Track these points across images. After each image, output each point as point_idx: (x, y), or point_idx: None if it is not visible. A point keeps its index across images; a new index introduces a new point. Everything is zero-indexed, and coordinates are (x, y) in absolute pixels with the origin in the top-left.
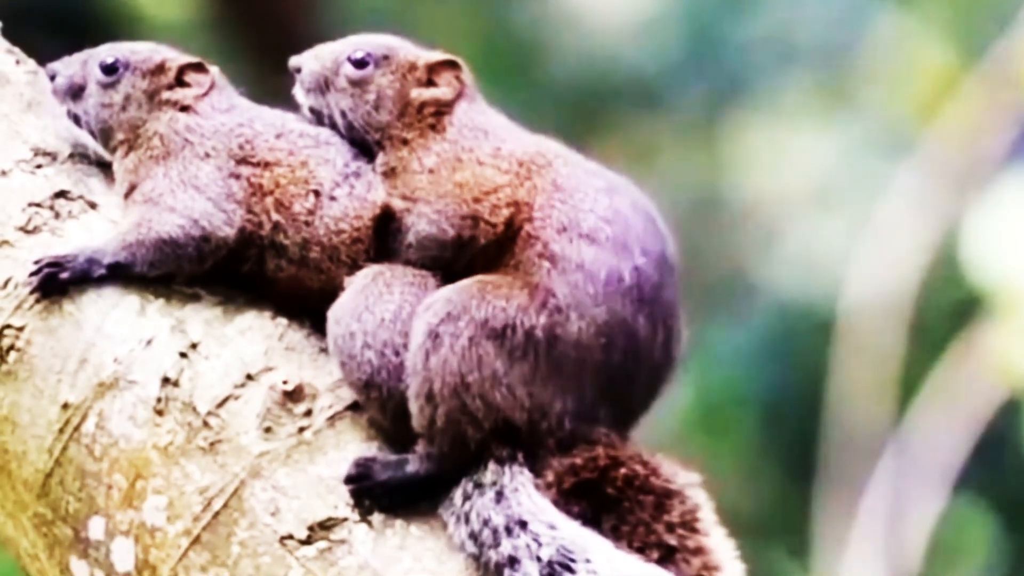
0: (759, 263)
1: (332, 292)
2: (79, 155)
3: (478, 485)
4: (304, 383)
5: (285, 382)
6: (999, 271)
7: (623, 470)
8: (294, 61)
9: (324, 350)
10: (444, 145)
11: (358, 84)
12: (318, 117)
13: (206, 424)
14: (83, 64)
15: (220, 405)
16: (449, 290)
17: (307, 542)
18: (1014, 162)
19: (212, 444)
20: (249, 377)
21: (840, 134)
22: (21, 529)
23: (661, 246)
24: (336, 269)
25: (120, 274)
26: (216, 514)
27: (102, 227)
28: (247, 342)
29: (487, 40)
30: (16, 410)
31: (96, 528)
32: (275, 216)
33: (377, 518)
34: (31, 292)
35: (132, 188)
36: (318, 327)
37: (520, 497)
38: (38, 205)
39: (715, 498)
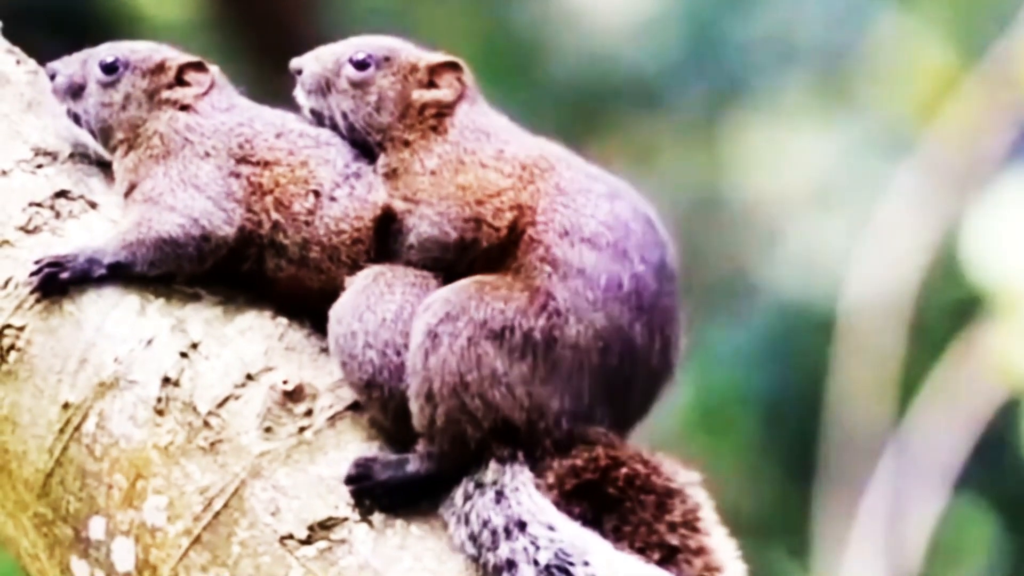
0: (759, 263)
1: (332, 292)
2: (79, 155)
3: (479, 485)
4: (304, 383)
5: (285, 382)
6: (999, 271)
7: (624, 470)
8: (295, 63)
9: (324, 350)
10: (446, 147)
11: (359, 86)
12: (319, 119)
13: (206, 424)
14: (83, 63)
15: (220, 405)
16: (447, 290)
17: (307, 542)
18: (1014, 162)
19: (212, 444)
20: (249, 377)
21: (840, 134)
22: (21, 529)
23: (661, 253)
24: (336, 269)
25: (120, 274)
26: (216, 514)
27: (102, 227)
28: (247, 342)
29: (487, 40)
30: (16, 410)
31: (96, 528)
32: (274, 215)
33: (377, 518)
34: (31, 292)
35: (132, 187)
36: (318, 327)
37: (520, 497)
38: (39, 205)
39: (715, 498)
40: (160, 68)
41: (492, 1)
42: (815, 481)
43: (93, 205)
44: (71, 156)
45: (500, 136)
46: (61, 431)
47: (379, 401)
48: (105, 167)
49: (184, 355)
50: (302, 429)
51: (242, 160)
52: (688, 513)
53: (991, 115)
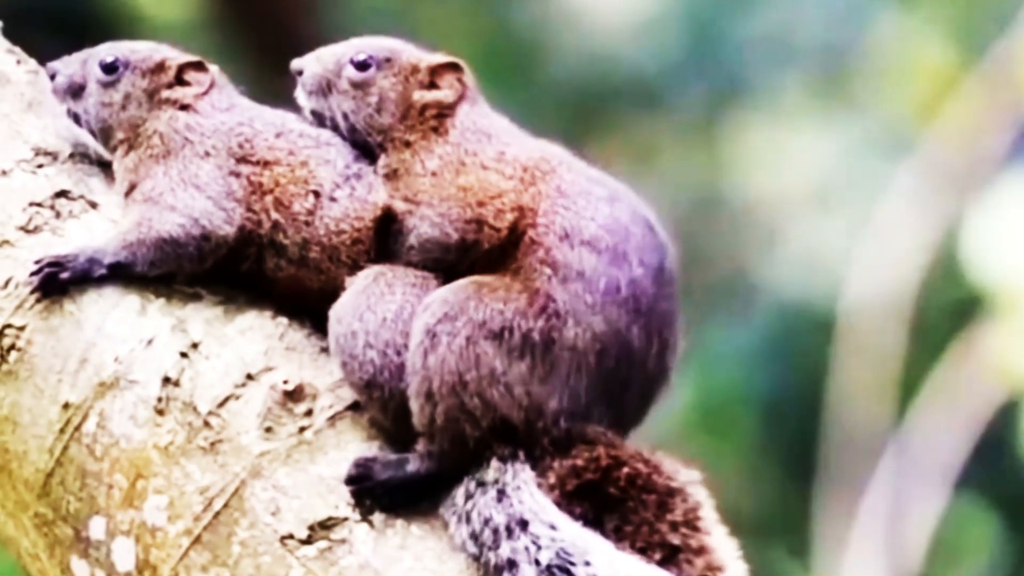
0: (759, 263)
1: (332, 292)
2: (80, 155)
3: (481, 483)
4: (305, 383)
5: (286, 382)
6: (999, 271)
7: (625, 469)
8: (296, 64)
9: (325, 350)
10: (447, 148)
11: (360, 86)
12: (320, 119)
13: (207, 424)
14: (83, 63)
15: (221, 405)
16: (446, 290)
17: (308, 542)
18: (1014, 162)
19: (213, 444)
20: (250, 377)
21: (840, 134)
22: (22, 529)
23: (660, 256)
24: (336, 270)
25: (121, 273)
26: (217, 514)
27: (103, 227)
28: (248, 342)
29: (487, 40)
30: (17, 410)
31: (97, 528)
32: (274, 215)
33: (378, 518)
34: (32, 292)
35: (132, 187)
36: (318, 327)
37: (522, 495)
38: (39, 205)
39: (716, 498)
40: (160, 68)
41: (492, 1)
42: (815, 481)
43: (93, 205)
44: (71, 156)
45: (501, 137)
46: (61, 431)
47: (379, 401)
48: (105, 167)
49: (184, 355)
50: (302, 429)
51: (242, 160)
52: (689, 512)
53: (991, 115)
